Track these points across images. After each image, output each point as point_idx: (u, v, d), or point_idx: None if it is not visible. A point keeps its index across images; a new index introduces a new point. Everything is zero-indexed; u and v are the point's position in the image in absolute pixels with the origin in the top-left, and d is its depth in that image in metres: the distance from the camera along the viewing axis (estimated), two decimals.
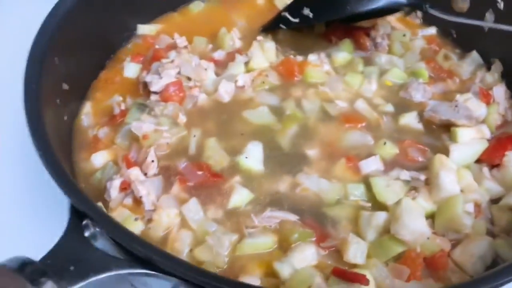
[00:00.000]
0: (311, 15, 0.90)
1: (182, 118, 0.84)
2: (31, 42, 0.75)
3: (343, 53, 0.95)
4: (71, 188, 0.58)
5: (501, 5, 0.89)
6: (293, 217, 0.73)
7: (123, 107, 0.86)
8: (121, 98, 0.87)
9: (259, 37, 0.97)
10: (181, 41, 0.95)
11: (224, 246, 0.68)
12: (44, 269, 0.50)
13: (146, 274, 0.54)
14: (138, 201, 0.73)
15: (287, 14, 0.94)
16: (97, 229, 0.57)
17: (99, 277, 0.52)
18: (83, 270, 0.52)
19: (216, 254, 0.67)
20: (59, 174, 0.59)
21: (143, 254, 0.53)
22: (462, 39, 0.99)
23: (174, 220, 0.71)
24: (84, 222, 0.57)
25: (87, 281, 0.51)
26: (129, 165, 0.76)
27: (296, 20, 0.92)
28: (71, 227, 0.56)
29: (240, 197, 0.75)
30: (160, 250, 0.54)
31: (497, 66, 0.91)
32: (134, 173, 0.75)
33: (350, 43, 0.96)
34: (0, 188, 0.86)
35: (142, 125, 0.80)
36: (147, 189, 0.73)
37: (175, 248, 0.69)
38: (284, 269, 0.65)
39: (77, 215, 0.58)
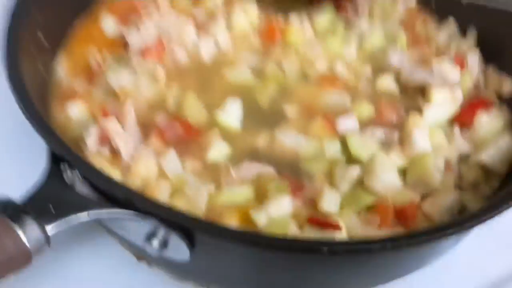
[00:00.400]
0: None
1: (161, 74, 0.84)
2: None
3: (325, 16, 0.95)
4: (47, 131, 0.58)
5: None
6: (270, 169, 0.74)
7: (100, 60, 0.85)
8: (98, 51, 0.86)
9: None
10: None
11: (202, 196, 0.69)
12: (24, 208, 0.50)
13: (125, 214, 0.54)
14: (115, 153, 0.73)
15: None
16: (76, 174, 0.58)
17: (77, 215, 0.52)
18: (62, 209, 0.52)
19: (194, 203, 0.68)
20: (35, 118, 0.59)
21: (121, 193, 0.53)
22: (441, 8, 1.00)
23: (152, 171, 0.72)
24: (62, 167, 0.57)
25: (65, 218, 0.51)
26: (107, 116, 0.76)
27: None
28: (50, 171, 0.56)
29: (218, 151, 0.76)
30: (137, 191, 0.55)
31: (471, 34, 0.93)
32: (112, 124, 0.74)
33: (332, 6, 0.97)
34: None
35: (120, 78, 0.80)
36: (125, 140, 0.73)
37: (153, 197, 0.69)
38: (260, 217, 0.67)
39: (56, 160, 0.58)
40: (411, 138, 0.75)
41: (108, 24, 0.91)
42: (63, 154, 0.56)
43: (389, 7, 0.99)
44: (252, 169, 0.75)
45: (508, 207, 0.59)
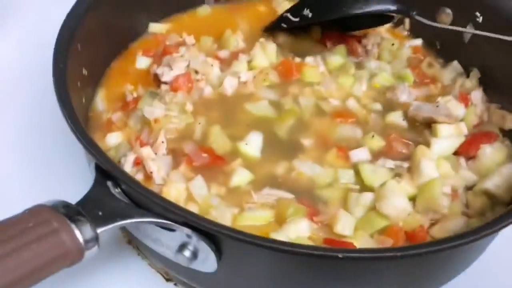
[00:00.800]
0: (310, 15, 0.99)
1: (189, 107, 0.92)
2: (58, 30, 0.83)
3: (336, 57, 1.04)
4: (95, 148, 0.66)
5: (480, 19, 0.99)
6: (288, 195, 0.80)
7: (135, 94, 0.94)
8: (133, 87, 0.95)
9: (262, 39, 1.06)
10: (189, 39, 1.04)
11: (226, 218, 0.76)
12: (79, 210, 0.57)
13: (164, 224, 0.61)
14: (148, 177, 0.81)
15: (288, 15, 1.04)
16: (117, 189, 0.65)
17: (123, 222, 0.59)
18: (111, 215, 0.59)
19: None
20: (85, 137, 0.66)
21: (159, 204, 0.60)
22: (445, 50, 1.08)
23: (182, 194, 0.78)
24: (108, 182, 0.65)
25: (113, 225, 0.58)
26: (142, 144, 0.84)
27: (297, 20, 1.02)
28: (97, 183, 0.64)
29: (240, 177, 0.82)
30: (175, 203, 0.61)
31: (474, 74, 1.01)
32: (146, 151, 0.82)
33: (344, 49, 1.06)
34: (34, 156, 0.97)
35: (153, 110, 0.88)
36: (157, 165, 0.81)
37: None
38: (279, 238, 0.73)
39: (102, 174, 0.65)
40: (419, 167, 0.81)
41: (142, 63, 1.01)
42: (110, 169, 0.64)
43: (396, 50, 1.08)
44: (272, 195, 0.81)
45: None
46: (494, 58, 0.97)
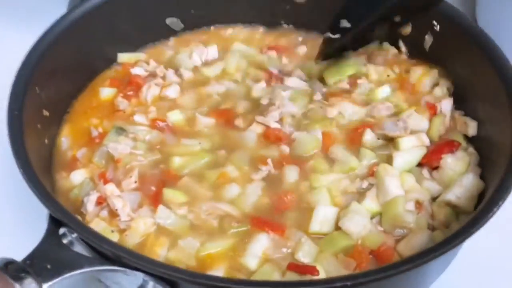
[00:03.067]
0: (349, 25, 0.96)
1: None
2: (15, 74, 0.83)
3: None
4: (48, 198, 0.66)
5: (437, 28, 1.00)
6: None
7: (100, 129, 0.93)
8: (98, 121, 0.95)
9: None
10: (160, 70, 1.04)
11: (194, 247, 0.76)
12: (24, 267, 0.57)
13: (115, 270, 0.61)
14: (113, 214, 0.81)
15: (329, 34, 0.99)
16: (73, 235, 0.65)
17: (72, 273, 0.59)
18: (59, 267, 0.59)
19: (187, 255, 0.75)
20: (37, 186, 0.67)
21: (110, 251, 0.60)
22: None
23: (150, 228, 0.78)
24: (61, 231, 0.65)
25: (62, 277, 0.58)
26: (105, 182, 0.84)
27: (337, 36, 0.98)
28: (49, 233, 0.64)
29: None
30: (125, 247, 0.62)
31: (445, 82, 1.00)
32: (110, 188, 0.82)
33: None
34: None
35: (117, 146, 0.88)
36: (123, 201, 0.81)
37: (153, 252, 0.76)
38: (250, 262, 0.74)
39: (55, 224, 0.65)
40: (383, 185, 0.81)
41: (107, 95, 1.00)
42: (62, 218, 0.64)
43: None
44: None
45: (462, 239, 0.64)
46: (455, 65, 0.97)
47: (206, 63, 1.07)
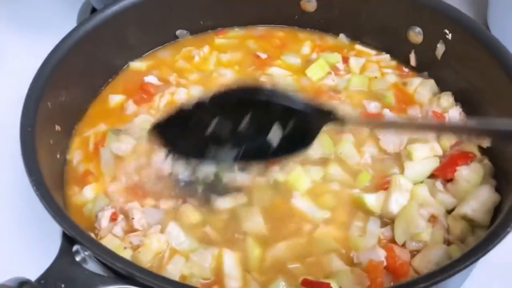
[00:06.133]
0: None
1: None
2: (26, 90, 0.84)
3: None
4: (61, 216, 0.66)
5: (449, 36, 0.99)
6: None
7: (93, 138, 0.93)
8: (102, 129, 0.95)
9: None
10: (173, 78, 1.05)
11: (207, 260, 0.76)
12: (39, 287, 0.57)
13: None
14: (127, 230, 0.81)
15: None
16: (86, 252, 0.65)
17: None
18: (72, 287, 0.59)
19: (201, 268, 0.75)
20: (51, 204, 0.67)
21: (124, 270, 0.60)
22: (421, 69, 1.08)
23: (163, 245, 0.78)
24: (74, 248, 0.65)
25: None
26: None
27: None
28: (62, 251, 0.64)
29: None
30: (138, 265, 0.61)
31: (448, 92, 0.99)
32: (133, 204, 0.83)
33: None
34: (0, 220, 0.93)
35: (120, 145, 0.89)
36: (141, 214, 0.81)
37: (167, 270, 0.75)
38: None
39: (68, 241, 0.65)
40: (389, 200, 0.81)
41: (115, 102, 1.01)
42: (76, 236, 0.64)
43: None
44: None
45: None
46: (468, 75, 0.96)
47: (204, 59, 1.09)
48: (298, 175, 0.86)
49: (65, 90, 0.93)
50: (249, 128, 0.73)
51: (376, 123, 0.85)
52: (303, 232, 0.80)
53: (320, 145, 0.88)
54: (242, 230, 0.80)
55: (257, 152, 0.75)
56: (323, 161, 0.89)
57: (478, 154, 0.88)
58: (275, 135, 0.73)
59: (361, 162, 0.89)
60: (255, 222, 0.81)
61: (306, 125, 0.73)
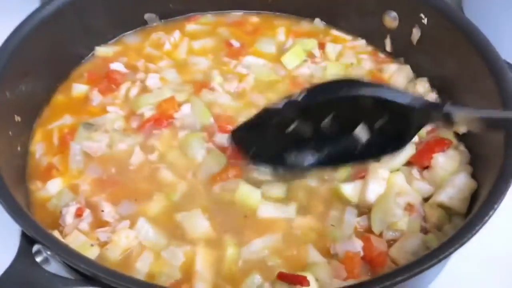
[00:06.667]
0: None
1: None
2: None
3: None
4: (19, 214, 0.61)
5: (425, 21, 0.97)
6: None
7: (66, 130, 0.89)
8: (68, 120, 0.91)
9: None
10: (141, 63, 1.01)
11: (178, 258, 0.73)
12: None
13: None
14: (94, 225, 0.77)
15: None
16: (48, 252, 0.61)
17: None
18: None
19: (170, 267, 0.72)
20: (9, 201, 0.62)
21: (87, 270, 0.56)
22: (397, 54, 1.06)
23: (132, 242, 0.75)
24: (35, 248, 0.61)
25: None
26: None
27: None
28: (21, 252, 0.60)
29: None
30: (104, 266, 0.58)
31: (422, 78, 0.98)
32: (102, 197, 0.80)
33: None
34: None
35: (92, 144, 0.85)
36: (111, 206, 0.78)
37: (136, 268, 0.72)
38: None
39: (28, 241, 0.61)
40: (366, 189, 0.79)
41: (80, 91, 0.96)
42: (36, 236, 0.60)
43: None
44: None
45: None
46: (444, 61, 0.95)
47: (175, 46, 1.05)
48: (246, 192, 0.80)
49: (25, 78, 0.87)
50: (333, 129, 0.68)
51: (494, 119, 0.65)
52: (278, 227, 0.78)
53: None
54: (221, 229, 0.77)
55: (338, 156, 0.70)
56: None
57: (454, 140, 0.87)
58: (361, 136, 0.68)
59: None
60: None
61: (401, 123, 0.65)
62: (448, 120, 0.63)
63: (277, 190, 0.81)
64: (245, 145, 0.77)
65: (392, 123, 0.66)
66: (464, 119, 0.63)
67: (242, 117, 0.89)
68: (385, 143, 0.68)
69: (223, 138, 0.86)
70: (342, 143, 0.70)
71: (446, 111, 0.63)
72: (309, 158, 0.72)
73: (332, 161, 0.72)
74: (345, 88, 0.68)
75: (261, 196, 0.80)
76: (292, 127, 0.70)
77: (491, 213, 0.64)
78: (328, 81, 0.73)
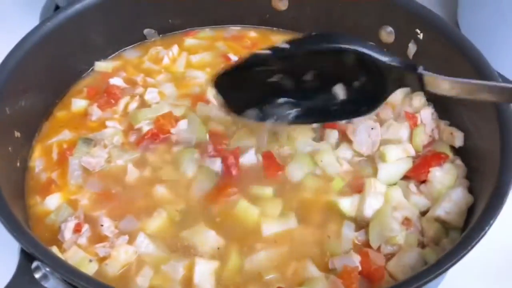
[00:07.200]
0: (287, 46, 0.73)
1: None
2: None
3: None
4: (18, 231, 0.62)
5: (421, 36, 0.98)
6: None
7: (65, 146, 0.89)
8: (68, 135, 0.91)
9: None
10: (140, 78, 1.01)
11: (178, 272, 0.73)
12: None
13: None
14: (92, 241, 0.77)
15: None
16: (47, 269, 0.61)
17: None
18: None
19: (171, 281, 0.72)
20: (8, 218, 0.63)
21: (85, 287, 0.57)
22: None
23: (131, 257, 0.75)
24: (34, 265, 0.61)
25: None
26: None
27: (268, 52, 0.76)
28: (20, 269, 0.60)
29: None
30: (100, 282, 0.58)
31: (418, 93, 0.99)
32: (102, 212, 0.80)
33: None
34: None
35: (91, 160, 0.85)
36: (111, 221, 0.78)
37: (137, 283, 0.72)
38: None
39: (27, 257, 0.61)
40: (364, 204, 0.80)
41: (79, 106, 0.96)
42: (35, 253, 0.60)
43: None
44: None
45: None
46: (439, 74, 0.95)
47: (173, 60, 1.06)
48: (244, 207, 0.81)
49: (25, 94, 0.88)
50: (313, 84, 0.70)
51: (468, 85, 0.69)
52: (280, 240, 0.78)
53: (301, 166, 0.86)
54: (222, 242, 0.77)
55: (315, 112, 0.73)
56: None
57: (450, 154, 0.88)
58: (339, 93, 0.71)
59: (341, 170, 0.87)
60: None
61: (378, 84, 0.69)
62: (420, 82, 0.69)
63: (274, 206, 0.81)
64: (227, 93, 0.78)
65: (368, 84, 0.70)
66: (434, 82, 0.69)
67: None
68: (361, 103, 0.73)
69: (214, 163, 0.86)
70: (320, 100, 0.73)
71: (420, 72, 0.69)
72: (288, 111, 0.74)
73: (309, 116, 0.76)
74: (330, 39, 0.72)
75: (260, 213, 0.80)
76: (275, 77, 0.72)
77: (487, 228, 0.65)
78: (313, 33, 0.74)
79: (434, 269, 0.62)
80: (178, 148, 0.89)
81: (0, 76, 0.83)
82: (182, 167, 0.86)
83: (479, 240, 0.64)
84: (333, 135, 0.89)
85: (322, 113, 0.76)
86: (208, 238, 0.77)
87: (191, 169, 0.86)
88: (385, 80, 0.70)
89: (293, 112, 0.76)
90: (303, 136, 0.88)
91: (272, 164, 0.86)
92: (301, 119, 0.78)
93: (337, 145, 0.90)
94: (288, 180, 0.85)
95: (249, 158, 0.86)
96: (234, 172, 0.84)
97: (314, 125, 0.89)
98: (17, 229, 0.62)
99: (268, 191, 0.83)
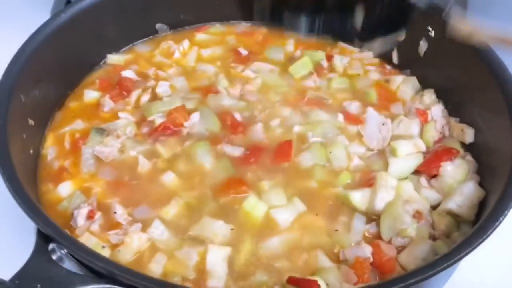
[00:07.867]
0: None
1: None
2: None
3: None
4: (36, 213, 0.62)
5: (432, 34, 0.99)
6: None
7: (77, 135, 0.90)
8: (80, 125, 0.92)
9: None
10: (152, 71, 1.02)
11: (192, 258, 0.73)
12: (13, 287, 0.53)
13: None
14: (104, 228, 0.77)
15: None
16: (63, 251, 0.61)
17: None
18: (49, 286, 0.55)
19: (185, 267, 0.72)
20: (25, 200, 0.63)
21: (104, 268, 0.57)
22: (403, 66, 1.08)
23: (144, 244, 0.75)
24: (50, 246, 0.61)
25: None
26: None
27: None
28: (37, 250, 0.60)
29: None
30: (118, 263, 0.58)
31: (430, 89, 1.00)
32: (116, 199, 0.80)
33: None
34: None
35: (104, 149, 0.86)
36: (124, 208, 0.79)
37: (150, 269, 0.73)
38: None
39: (43, 239, 0.61)
40: (375, 197, 0.80)
41: (92, 97, 0.97)
42: (52, 234, 0.60)
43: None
44: None
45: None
46: (451, 72, 0.96)
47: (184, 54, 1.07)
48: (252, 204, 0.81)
49: (39, 83, 0.89)
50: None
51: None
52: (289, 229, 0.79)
53: (312, 156, 0.87)
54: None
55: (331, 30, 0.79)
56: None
57: (461, 150, 0.89)
58: (357, 15, 0.77)
59: (351, 164, 0.88)
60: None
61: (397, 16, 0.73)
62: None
63: (278, 196, 0.82)
64: None
65: (387, 14, 0.75)
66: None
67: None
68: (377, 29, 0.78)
69: (231, 149, 0.88)
70: (337, 18, 0.78)
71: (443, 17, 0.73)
72: (305, 21, 0.77)
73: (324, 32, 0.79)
74: None
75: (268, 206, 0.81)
76: None
77: (501, 218, 0.65)
78: None
79: (447, 258, 0.62)
80: (190, 141, 0.90)
81: (16, 64, 0.83)
82: (198, 159, 0.87)
83: (493, 230, 0.64)
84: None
85: (337, 31, 0.80)
86: (221, 226, 0.77)
87: (207, 160, 0.86)
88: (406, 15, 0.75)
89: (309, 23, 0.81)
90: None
91: (286, 151, 0.87)
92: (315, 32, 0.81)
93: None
94: (297, 168, 0.86)
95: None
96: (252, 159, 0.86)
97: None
98: (34, 210, 0.63)
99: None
